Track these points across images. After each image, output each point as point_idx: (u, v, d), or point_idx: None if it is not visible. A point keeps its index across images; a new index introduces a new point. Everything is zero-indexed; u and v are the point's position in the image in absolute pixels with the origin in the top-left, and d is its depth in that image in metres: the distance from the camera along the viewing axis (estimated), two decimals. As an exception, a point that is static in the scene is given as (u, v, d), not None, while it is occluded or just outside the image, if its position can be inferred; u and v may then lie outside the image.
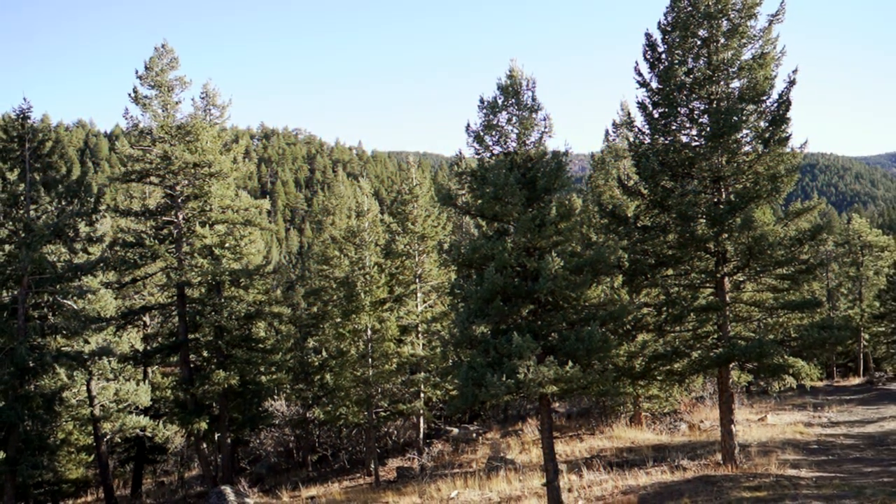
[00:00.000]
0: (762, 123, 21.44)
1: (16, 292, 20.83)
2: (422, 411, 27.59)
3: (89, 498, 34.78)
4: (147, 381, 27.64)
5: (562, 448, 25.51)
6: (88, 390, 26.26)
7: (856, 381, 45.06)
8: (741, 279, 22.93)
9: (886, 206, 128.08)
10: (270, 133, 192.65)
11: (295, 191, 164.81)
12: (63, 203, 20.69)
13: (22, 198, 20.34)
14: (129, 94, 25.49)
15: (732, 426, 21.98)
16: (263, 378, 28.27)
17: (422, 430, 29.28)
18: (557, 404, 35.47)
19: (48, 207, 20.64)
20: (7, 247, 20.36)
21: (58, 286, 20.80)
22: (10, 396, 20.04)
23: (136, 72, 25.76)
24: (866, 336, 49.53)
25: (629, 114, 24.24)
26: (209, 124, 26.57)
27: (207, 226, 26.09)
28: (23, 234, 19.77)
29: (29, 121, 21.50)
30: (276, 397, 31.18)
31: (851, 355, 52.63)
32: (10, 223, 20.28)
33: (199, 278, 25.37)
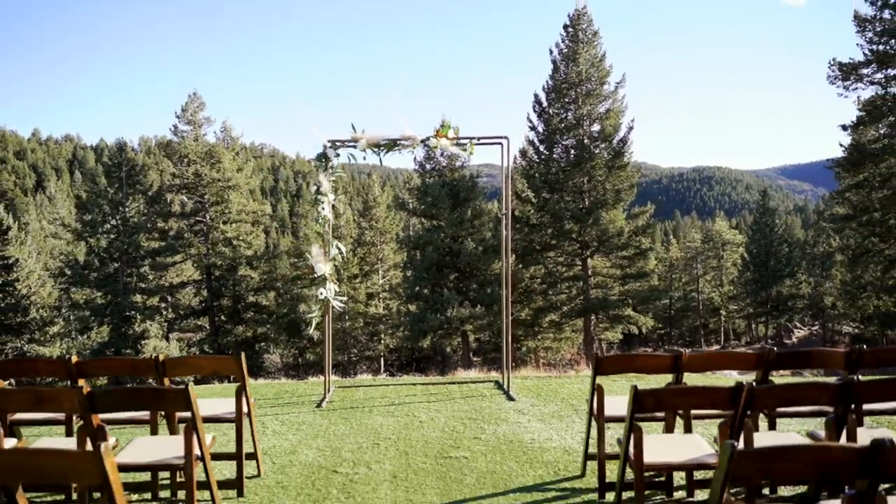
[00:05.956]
0: (609, 155, 29.06)
1: (117, 265, 27.42)
2: (382, 354, 34.96)
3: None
4: (174, 339, 34.18)
5: (482, 382, 33.03)
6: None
7: (715, 348, 53.68)
8: (599, 258, 30.66)
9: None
10: (239, 148, 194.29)
11: (261, 198, 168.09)
12: (146, 206, 27.66)
13: (119, 204, 27.05)
14: (170, 128, 31.92)
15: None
16: (267, 334, 35.05)
17: (382, 370, 36.57)
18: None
19: (137, 209, 27.46)
20: (111, 236, 27.00)
21: (144, 262, 27.73)
22: (114, 334, 26.95)
23: (175, 112, 32.01)
24: (724, 313, 57.47)
25: (524, 147, 31.75)
26: (228, 150, 33.39)
27: (227, 224, 32.67)
28: (121, 228, 26.72)
29: (124, 151, 27.87)
30: (272, 352, 38.00)
31: (719, 332, 60.52)
32: (112, 220, 27.00)
33: (222, 262, 32.13)
